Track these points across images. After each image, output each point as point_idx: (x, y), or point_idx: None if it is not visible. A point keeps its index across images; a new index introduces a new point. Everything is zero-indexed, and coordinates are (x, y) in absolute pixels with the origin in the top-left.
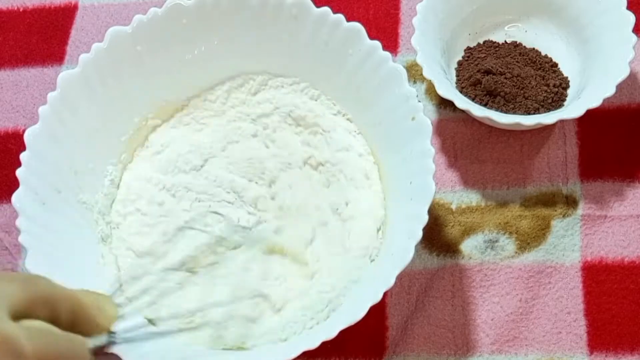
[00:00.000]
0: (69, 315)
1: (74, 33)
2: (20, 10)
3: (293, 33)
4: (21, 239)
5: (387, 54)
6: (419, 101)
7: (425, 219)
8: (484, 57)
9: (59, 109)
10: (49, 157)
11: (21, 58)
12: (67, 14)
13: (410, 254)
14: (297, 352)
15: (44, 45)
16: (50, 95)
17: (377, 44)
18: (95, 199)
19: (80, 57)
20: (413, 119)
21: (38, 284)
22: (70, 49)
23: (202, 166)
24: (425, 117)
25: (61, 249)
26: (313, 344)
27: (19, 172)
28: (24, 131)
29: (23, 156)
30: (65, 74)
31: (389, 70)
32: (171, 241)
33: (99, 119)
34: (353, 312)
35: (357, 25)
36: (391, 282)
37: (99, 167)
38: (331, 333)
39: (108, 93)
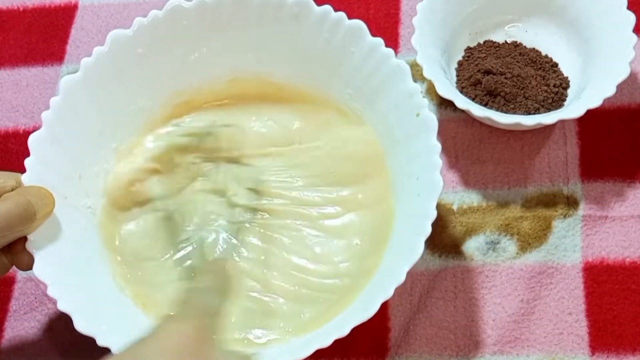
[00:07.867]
0: None
1: (74, 32)
2: (20, 9)
3: (294, 32)
4: (28, 245)
5: (390, 50)
6: (424, 97)
7: (433, 214)
8: (484, 57)
9: (62, 114)
10: (54, 162)
11: (21, 58)
12: (67, 14)
13: (420, 249)
14: (311, 350)
15: (44, 45)
16: (53, 100)
17: (379, 40)
18: (98, 203)
19: (82, 61)
20: (418, 115)
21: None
22: (70, 48)
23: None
24: (431, 112)
25: (68, 255)
26: (326, 341)
27: (23, 178)
28: (24, 131)
29: (27, 162)
30: (67, 79)
31: (393, 66)
32: None
33: (102, 123)
34: (364, 309)
35: (359, 23)
36: (402, 277)
37: (103, 171)
38: (344, 330)
39: (110, 96)
